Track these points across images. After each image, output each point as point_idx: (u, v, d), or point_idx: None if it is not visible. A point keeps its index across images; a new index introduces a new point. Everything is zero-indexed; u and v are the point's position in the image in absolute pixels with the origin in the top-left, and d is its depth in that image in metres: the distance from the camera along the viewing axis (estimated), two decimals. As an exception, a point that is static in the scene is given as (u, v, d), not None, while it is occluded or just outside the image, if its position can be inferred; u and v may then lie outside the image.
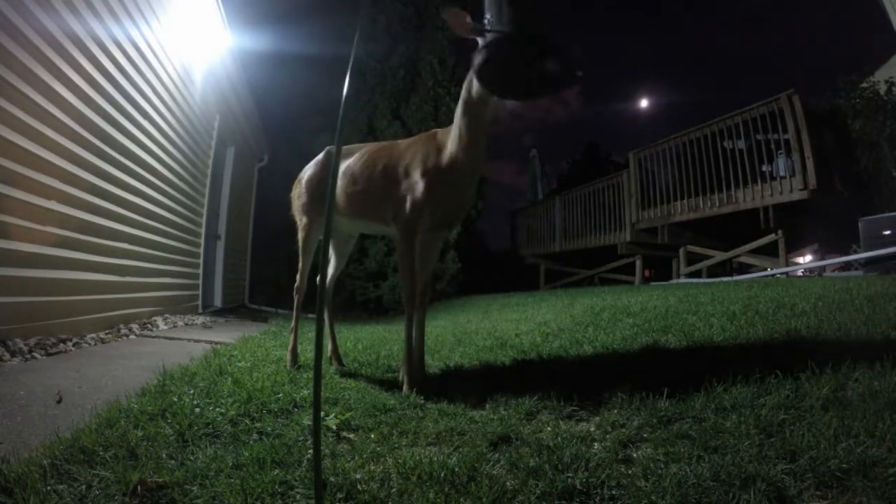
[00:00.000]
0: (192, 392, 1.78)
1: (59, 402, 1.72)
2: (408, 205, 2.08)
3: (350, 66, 0.89)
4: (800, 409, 1.37)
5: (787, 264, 6.48)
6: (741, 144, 6.93)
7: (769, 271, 6.71)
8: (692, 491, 1.02)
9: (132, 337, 3.50)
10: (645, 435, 1.36)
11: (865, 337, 2.00)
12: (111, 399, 1.70)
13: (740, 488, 1.02)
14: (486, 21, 1.64)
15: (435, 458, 1.24)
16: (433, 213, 2.09)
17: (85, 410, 1.60)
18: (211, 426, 1.47)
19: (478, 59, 1.66)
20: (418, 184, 2.07)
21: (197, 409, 1.57)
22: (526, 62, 1.61)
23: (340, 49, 7.89)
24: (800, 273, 6.77)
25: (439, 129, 2.20)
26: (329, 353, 2.57)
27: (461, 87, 1.97)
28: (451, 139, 2.02)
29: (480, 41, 1.70)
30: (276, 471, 1.17)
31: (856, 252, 6.01)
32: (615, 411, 1.54)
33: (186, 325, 4.57)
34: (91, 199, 3.29)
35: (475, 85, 1.85)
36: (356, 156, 2.39)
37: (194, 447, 1.32)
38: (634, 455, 1.26)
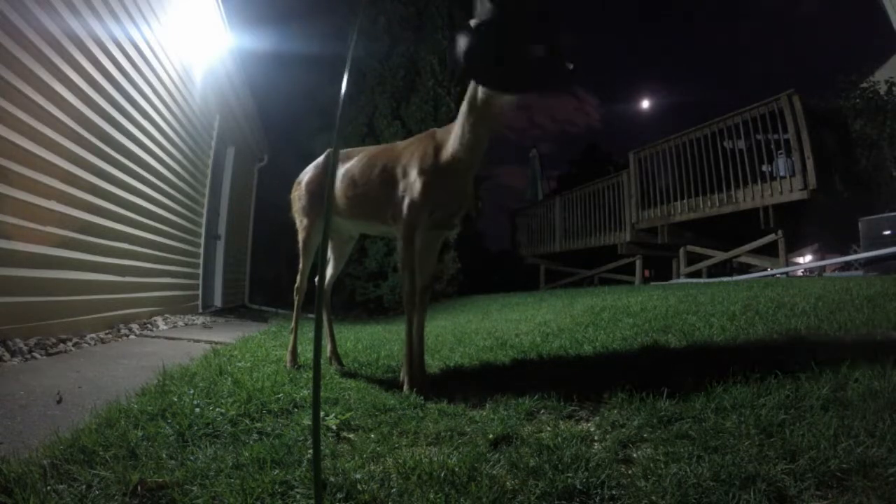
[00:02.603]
0: (192, 392, 1.78)
1: (59, 402, 1.72)
2: (406, 204, 2.09)
3: (347, 69, 0.88)
4: (800, 409, 1.37)
5: (787, 264, 6.48)
6: (741, 144, 6.94)
7: (769, 271, 6.71)
8: (692, 491, 1.02)
9: (132, 337, 3.49)
10: (645, 435, 1.36)
11: (865, 337, 2.00)
12: (111, 399, 1.70)
13: (740, 488, 1.02)
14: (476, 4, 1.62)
15: (435, 458, 1.24)
16: (433, 211, 2.09)
17: (85, 410, 1.60)
18: (211, 426, 1.46)
19: (463, 46, 1.64)
20: (416, 183, 2.07)
21: (197, 409, 1.57)
22: (511, 53, 1.60)
23: (340, 49, 7.90)
24: (800, 273, 6.77)
25: (437, 129, 2.20)
26: (329, 354, 2.57)
27: (461, 87, 1.97)
28: (454, 137, 2.01)
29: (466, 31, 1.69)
30: (276, 471, 1.16)
31: (856, 252, 6.01)
32: (615, 411, 1.54)
33: (186, 325, 4.57)
34: (91, 199, 3.29)
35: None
36: (356, 158, 2.40)
37: (194, 447, 1.32)
38: (634, 455, 1.26)
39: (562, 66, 1.60)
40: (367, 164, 2.32)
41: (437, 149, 2.07)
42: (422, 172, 2.06)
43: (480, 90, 1.86)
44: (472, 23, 1.62)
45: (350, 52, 0.93)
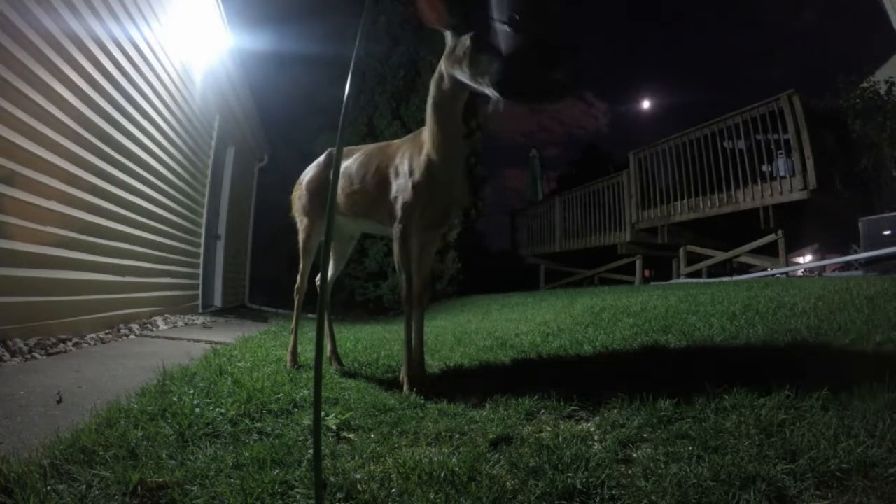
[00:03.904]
0: (192, 392, 1.78)
1: (59, 402, 1.72)
2: (399, 206, 2.09)
3: (351, 70, 0.88)
4: (800, 409, 1.37)
5: (787, 264, 6.48)
6: (741, 144, 6.94)
7: (769, 271, 6.71)
8: (692, 491, 1.02)
9: (132, 337, 3.49)
10: (645, 435, 1.36)
11: (865, 337, 2.00)
12: (111, 399, 1.70)
13: (740, 488, 1.02)
14: (497, 22, 1.62)
15: (435, 458, 1.24)
16: (423, 213, 2.09)
17: (85, 410, 1.60)
18: (211, 426, 1.46)
19: (495, 68, 1.64)
20: (407, 184, 2.07)
21: (197, 409, 1.57)
22: (537, 68, 1.60)
23: (341, 49, 7.88)
24: (800, 273, 6.77)
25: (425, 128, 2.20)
26: (329, 354, 2.56)
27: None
28: (426, 138, 2.02)
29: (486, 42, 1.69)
30: (276, 471, 1.16)
31: (856, 252, 6.01)
32: (615, 411, 1.54)
33: (186, 325, 4.57)
34: (91, 199, 3.29)
35: (447, 81, 1.87)
36: (354, 156, 2.40)
37: (194, 447, 1.32)
38: (634, 455, 1.26)
39: (576, 79, 1.62)
40: (363, 162, 2.32)
41: (421, 149, 2.07)
42: (410, 173, 2.06)
43: (446, 85, 1.86)
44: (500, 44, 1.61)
45: (354, 54, 0.93)
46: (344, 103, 0.89)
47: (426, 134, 2.01)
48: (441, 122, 1.95)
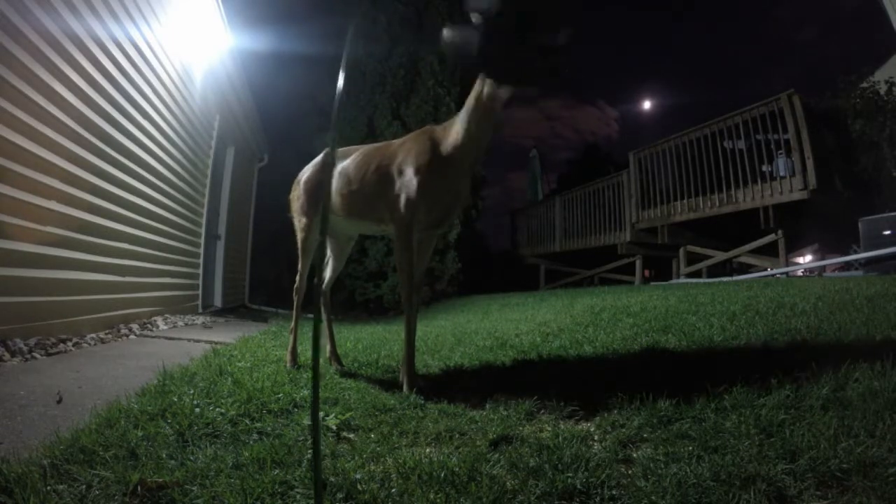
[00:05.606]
0: (192, 392, 1.78)
1: (59, 402, 1.72)
2: (403, 203, 2.08)
3: (343, 64, 0.88)
4: (800, 409, 1.37)
5: (787, 264, 6.48)
6: (741, 144, 6.94)
7: (769, 271, 6.71)
8: (692, 491, 1.02)
9: (132, 337, 3.49)
10: (645, 435, 1.36)
11: (865, 337, 2.00)
12: (111, 399, 1.70)
13: (740, 488, 1.02)
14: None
15: (435, 458, 1.24)
16: (429, 210, 2.08)
17: (85, 410, 1.60)
18: (211, 426, 1.47)
19: (473, 41, 1.65)
20: (412, 181, 2.05)
21: (197, 409, 1.57)
22: (518, 49, 1.62)
23: (340, 49, 7.86)
24: (800, 273, 6.77)
25: (434, 126, 2.18)
26: (328, 354, 2.57)
27: (461, 87, 1.97)
28: (455, 135, 2.00)
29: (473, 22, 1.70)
30: (276, 471, 1.17)
31: (856, 252, 6.01)
32: (615, 411, 1.54)
33: (186, 325, 4.57)
34: (91, 198, 3.28)
35: (489, 81, 1.85)
36: (352, 157, 2.38)
37: (194, 447, 1.32)
38: (634, 455, 1.26)
39: (565, 62, 1.63)
40: (361, 161, 2.31)
41: (435, 146, 2.05)
42: (418, 170, 2.04)
43: (488, 84, 1.85)
44: (475, 17, 1.62)
45: (346, 50, 0.93)
46: (336, 102, 0.89)
47: (458, 130, 1.99)
48: (481, 120, 1.93)
